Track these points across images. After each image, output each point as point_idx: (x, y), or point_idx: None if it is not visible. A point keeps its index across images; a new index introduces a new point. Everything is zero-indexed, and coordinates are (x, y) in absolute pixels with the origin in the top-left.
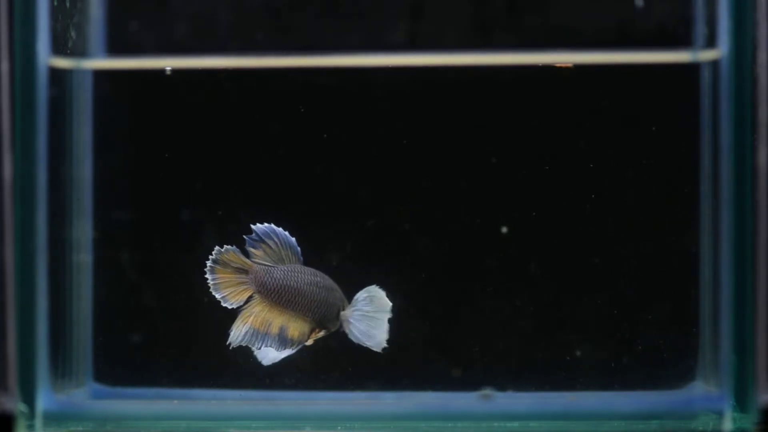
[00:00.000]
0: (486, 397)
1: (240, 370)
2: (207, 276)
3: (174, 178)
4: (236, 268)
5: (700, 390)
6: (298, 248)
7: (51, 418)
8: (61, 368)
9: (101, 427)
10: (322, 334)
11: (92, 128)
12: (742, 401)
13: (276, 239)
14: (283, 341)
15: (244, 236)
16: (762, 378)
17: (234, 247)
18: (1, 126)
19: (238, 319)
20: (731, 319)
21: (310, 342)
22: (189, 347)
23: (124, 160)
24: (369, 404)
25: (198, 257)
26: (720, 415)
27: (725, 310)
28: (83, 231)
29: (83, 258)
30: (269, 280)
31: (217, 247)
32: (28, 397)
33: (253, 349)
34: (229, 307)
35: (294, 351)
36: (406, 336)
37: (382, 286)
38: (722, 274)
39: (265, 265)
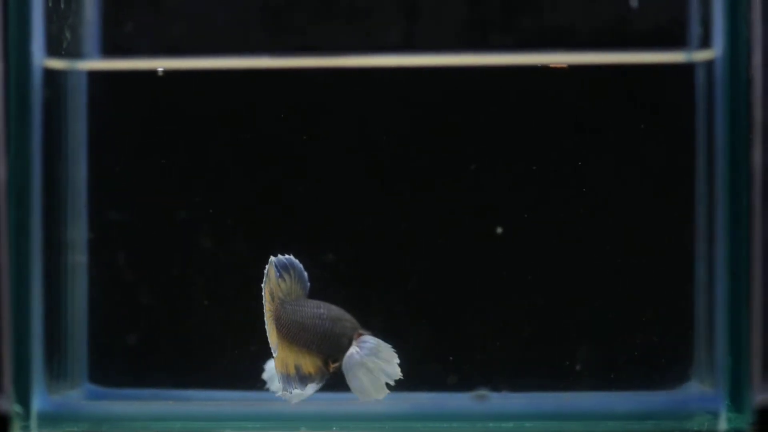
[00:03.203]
0: (481, 397)
1: (235, 371)
2: (263, 280)
3: (169, 178)
4: (276, 285)
5: (696, 390)
6: (308, 283)
7: (46, 419)
8: (56, 369)
9: (96, 427)
10: (338, 365)
11: (87, 129)
12: (737, 401)
13: (292, 272)
14: (303, 379)
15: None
16: (757, 378)
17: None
18: None
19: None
20: (726, 320)
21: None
22: (184, 348)
23: (118, 160)
24: (364, 405)
25: (192, 258)
26: (715, 415)
27: (720, 310)
28: (78, 232)
29: (78, 259)
30: (283, 314)
31: (289, 257)
32: (23, 398)
33: (282, 392)
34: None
35: (319, 385)
36: (401, 337)
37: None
38: (717, 273)
39: (280, 298)
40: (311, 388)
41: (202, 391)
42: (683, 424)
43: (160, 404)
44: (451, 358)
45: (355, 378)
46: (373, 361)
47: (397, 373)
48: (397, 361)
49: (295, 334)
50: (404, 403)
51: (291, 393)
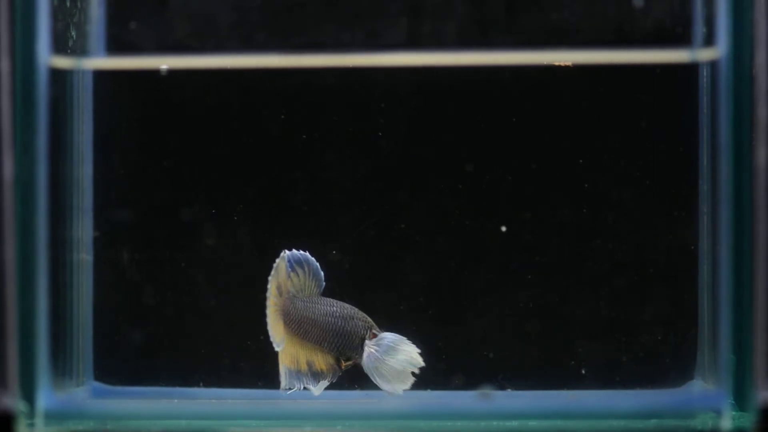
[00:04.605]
0: (485, 395)
1: (240, 369)
2: (271, 273)
3: (174, 177)
4: (286, 279)
5: (699, 388)
6: (324, 282)
7: (51, 416)
8: (62, 367)
9: (102, 425)
10: (350, 363)
11: (92, 128)
12: (740, 400)
13: (307, 268)
14: (315, 376)
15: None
16: (761, 376)
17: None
18: (2, 126)
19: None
20: (730, 318)
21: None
22: (189, 346)
23: (124, 159)
24: (369, 403)
25: (197, 256)
26: (719, 413)
27: (724, 308)
28: (84, 230)
29: (84, 257)
30: (293, 310)
31: (304, 253)
32: (29, 396)
33: (294, 388)
34: (276, 349)
35: (331, 381)
36: (405, 335)
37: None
38: (721, 272)
39: (291, 294)
40: (324, 384)
41: (207, 389)
42: (687, 423)
43: (166, 402)
44: (455, 356)
45: (380, 376)
46: (393, 356)
47: (419, 361)
48: (418, 350)
49: (307, 331)
50: (409, 402)
51: (300, 389)
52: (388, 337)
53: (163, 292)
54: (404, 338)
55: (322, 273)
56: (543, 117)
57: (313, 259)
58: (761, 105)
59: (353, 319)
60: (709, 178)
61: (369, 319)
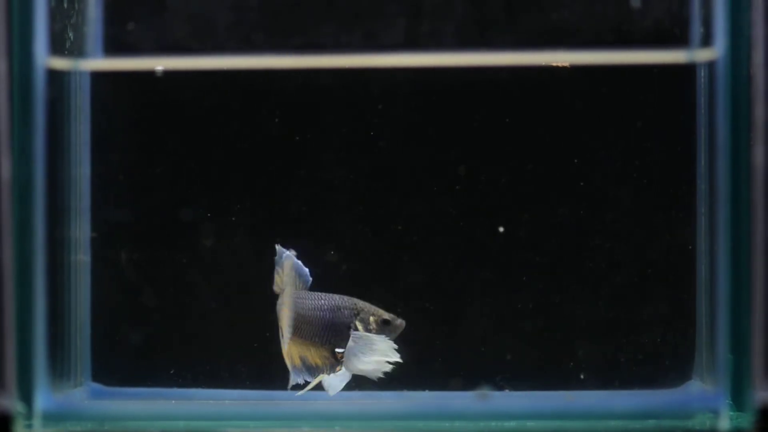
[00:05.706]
0: (483, 396)
1: (238, 370)
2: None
3: (172, 178)
4: (281, 279)
5: (697, 389)
6: (309, 278)
7: (49, 417)
8: (60, 368)
9: (100, 426)
10: (343, 353)
11: (90, 128)
12: (738, 400)
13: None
14: (311, 370)
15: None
16: (759, 376)
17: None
18: None
19: None
20: (728, 318)
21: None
22: (188, 347)
23: (122, 160)
24: (367, 404)
25: (195, 257)
26: (717, 413)
27: (722, 308)
28: (81, 231)
29: (81, 258)
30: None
31: (287, 252)
32: (27, 397)
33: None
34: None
35: (332, 375)
36: (404, 335)
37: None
38: (719, 272)
39: (281, 290)
40: (336, 379)
41: (205, 390)
42: (685, 423)
43: (164, 403)
44: (453, 356)
45: (357, 363)
46: (370, 348)
47: (394, 356)
48: (394, 346)
49: (297, 326)
50: (406, 402)
51: (302, 383)
52: (360, 337)
53: (162, 292)
54: (381, 337)
55: (306, 269)
56: (541, 117)
57: (289, 253)
58: (759, 105)
59: (340, 309)
60: (707, 178)
61: (358, 304)
